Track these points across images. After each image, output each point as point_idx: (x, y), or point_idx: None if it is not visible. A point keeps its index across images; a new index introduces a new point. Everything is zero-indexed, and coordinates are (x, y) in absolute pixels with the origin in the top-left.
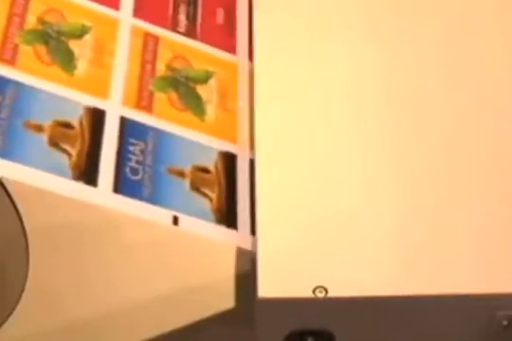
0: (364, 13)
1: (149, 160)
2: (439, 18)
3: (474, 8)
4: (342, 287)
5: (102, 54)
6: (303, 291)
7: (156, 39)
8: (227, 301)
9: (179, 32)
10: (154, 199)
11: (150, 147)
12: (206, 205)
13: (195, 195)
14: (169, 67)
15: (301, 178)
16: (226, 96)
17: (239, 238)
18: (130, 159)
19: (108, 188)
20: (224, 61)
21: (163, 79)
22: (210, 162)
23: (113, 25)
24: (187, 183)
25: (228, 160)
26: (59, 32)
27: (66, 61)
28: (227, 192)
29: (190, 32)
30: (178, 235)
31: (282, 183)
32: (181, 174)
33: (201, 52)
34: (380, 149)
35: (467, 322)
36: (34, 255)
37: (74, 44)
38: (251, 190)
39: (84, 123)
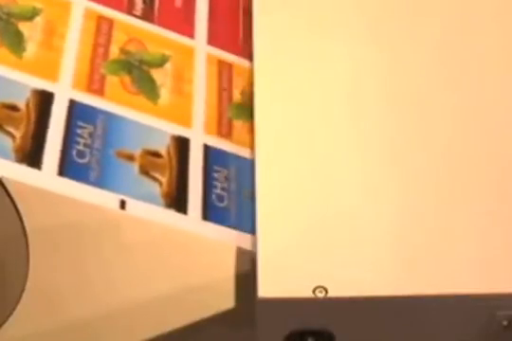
0: (364, 13)
1: (97, 144)
2: (439, 18)
3: (474, 8)
4: (342, 287)
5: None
6: (303, 291)
7: (111, 22)
8: (227, 301)
9: (135, 16)
10: (100, 182)
11: (99, 130)
12: (155, 189)
13: (144, 179)
14: (123, 51)
15: (301, 178)
16: (182, 80)
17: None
18: (77, 142)
19: (53, 170)
20: (181, 44)
21: (116, 62)
22: (162, 146)
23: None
24: (136, 167)
25: (181, 144)
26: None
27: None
28: (178, 177)
29: (146, 16)
30: (178, 235)
31: (282, 183)
32: (130, 158)
33: (157, 36)
34: (380, 148)
35: (467, 322)
36: (34, 255)
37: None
38: (204, 175)
39: (31, 105)
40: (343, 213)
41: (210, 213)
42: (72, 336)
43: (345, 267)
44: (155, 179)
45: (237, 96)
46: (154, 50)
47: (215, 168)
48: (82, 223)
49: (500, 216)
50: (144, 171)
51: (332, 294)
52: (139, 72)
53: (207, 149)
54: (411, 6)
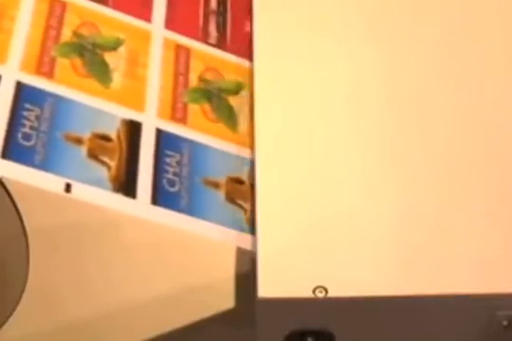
0: (364, 13)
1: (44, 126)
2: (439, 18)
3: (475, 8)
4: (342, 287)
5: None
6: (303, 291)
7: (64, 4)
8: (227, 301)
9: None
10: (46, 166)
11: (47, 113)
12: (103, 173)
13: (92, 163)
14: (75, 33)
15: (301, 178)
16: (136, 64)
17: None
18: (23, 125)
19: None
20: (136, 28)
21: (67, 44)
22: (112, 130)
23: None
24: (84, 150)
25: (133, 128)
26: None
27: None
28: (127, 161)
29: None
30: (178, 235)
31: (282, 183)
32: (78, 141)
33: (112, 19)
34: (380, 148)
35: (467, 322)
36: (34, 255)
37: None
38: (156, 160)
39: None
40: (343, 213)
41: (159, 198)
42: (72, 336)
43: (345, 267)
44: (103, 163)
45: (194, 80)
46: (107, 33)
47: (167, 152)
48: (82, 223)
49: (499, 216)
50: (92, 155)
51: (332, 294)
52: (92, 55)
53: (159, 133)
54: (411, 6)
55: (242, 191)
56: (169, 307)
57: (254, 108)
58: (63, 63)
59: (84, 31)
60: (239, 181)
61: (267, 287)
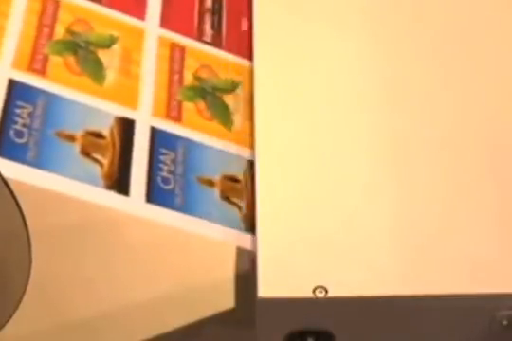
0: (365, 12)
1: (37, 124)
2: (441, 16)
3: (476, 7)
4: (342, 287)
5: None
6: (303, 291)
7: (56, 2)
8: (227, 301)
9: None
10: (38, 163)
11: (39, 110)
12: (96, 170)
13: (85, 160)
14: (68, 31)
15: (301, 178)
16: (130, 61)
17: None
18: (15, 122)
19: None
20: (130, 26)
21: (61, 42)
22: (105, 127)
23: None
24: (76, 147)
25: (126, 126)
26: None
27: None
28: (121, 158)
29: None
30: (179, 235)
31: (282, 183)
32: (71, 139)
33: (105, 17)
34: (380, 149)
35: (467, 322)
36: (36, 254)
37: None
38: (150, 158)
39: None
40: (343, 213)
41: (153, 195)
42: (72, 336)
43: (345, 267)
44: (95, 160)
45: (189, 78)
46: (101, 31)
47: (162, 150)
48: (83, 223)
49: (500, 216)
50: (85, 152)
51: (332, 294)
52: (85, 53)
53: (153, 131)
54: (412, 5)
55: (237, 189)
56: (169, 307)
57: (254, 108)
58: (56, 61)
59: (78, 29)
60: (234, 179)
61: (267, 287)
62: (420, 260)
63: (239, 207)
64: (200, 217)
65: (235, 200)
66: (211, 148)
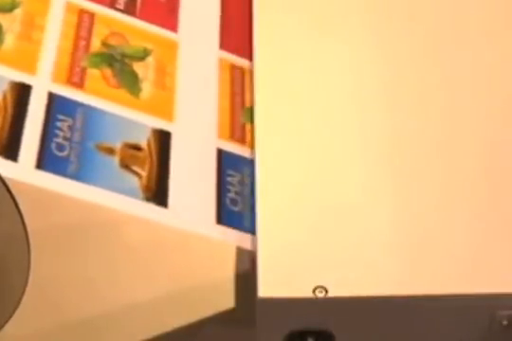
0: (365, 13)
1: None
2: (439, 17)
3: (474, 9)
4: (342, 287)
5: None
6: (303, 291)
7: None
8: (227, 301)
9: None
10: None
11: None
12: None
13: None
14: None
15: (301, 178)
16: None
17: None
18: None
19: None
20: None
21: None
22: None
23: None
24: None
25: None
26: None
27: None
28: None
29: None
30: (179, 235)
31: (281, 183)
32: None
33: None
34: (380, 148)
35: (467, 322)
36: (36, 255)
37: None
38: (45, 123)
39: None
40: (343, 213)
41: (44, 162)
42: (72, 336)
43: (345, 267)
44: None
45: (97, 45)
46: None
47: (59, 117)
48: (83, 223)
49: (500, 216)
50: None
51: (332, 294)
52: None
53: (51, 97)
54: (412, 6)
55: (138, 158)
56: (169, 307)
57: (254, 108)
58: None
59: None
60: (136, 147)
61: (267, 287)
62: (420, 260)
63: (139, 176)
64: (96, 185)
65: (136, 168)
66: (113, 115)
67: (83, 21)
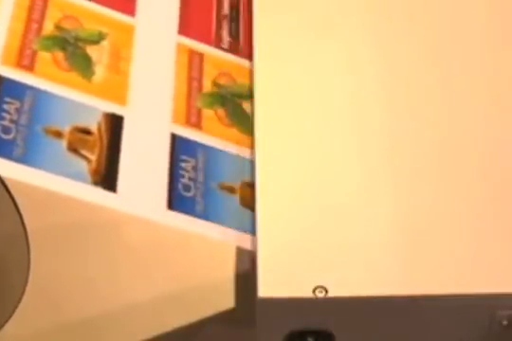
0: (364, 13)
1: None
2: (439, 17)
3: (474, 9)
4: (342, 287)
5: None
6: (303, 291)
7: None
8: (227, 301)
9: None
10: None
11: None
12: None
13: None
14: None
15: (301, 178)
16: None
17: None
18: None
19: None
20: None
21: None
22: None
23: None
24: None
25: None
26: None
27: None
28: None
29: None
30: (179, 235)
31: (281, 183)
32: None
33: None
34: (380, 148)
35: (467, 322)
36: (36, 254)
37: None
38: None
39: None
40: (343, 213)
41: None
42: (73, 335)
43: (345, 267)
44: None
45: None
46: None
47: (6, 99)
48: (83, 223)
49: (499, 216)
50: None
51: (332, 294)
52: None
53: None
54: (411, 7)
55: (88, 142)
56: (169, 307)
57: (254, 108)
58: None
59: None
60: (85, 131)
61: (267, 287)
62: (420, 260)
63: (88, 160)
64: (42, 169)
65: (84, 152)
66: (63, 98)
67: (36, 4)
